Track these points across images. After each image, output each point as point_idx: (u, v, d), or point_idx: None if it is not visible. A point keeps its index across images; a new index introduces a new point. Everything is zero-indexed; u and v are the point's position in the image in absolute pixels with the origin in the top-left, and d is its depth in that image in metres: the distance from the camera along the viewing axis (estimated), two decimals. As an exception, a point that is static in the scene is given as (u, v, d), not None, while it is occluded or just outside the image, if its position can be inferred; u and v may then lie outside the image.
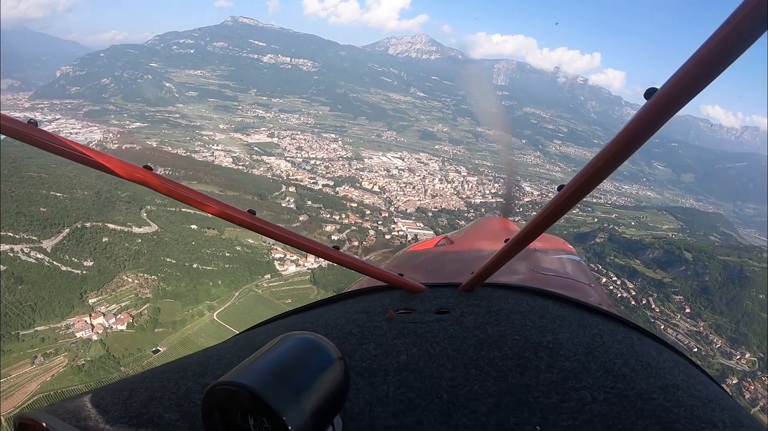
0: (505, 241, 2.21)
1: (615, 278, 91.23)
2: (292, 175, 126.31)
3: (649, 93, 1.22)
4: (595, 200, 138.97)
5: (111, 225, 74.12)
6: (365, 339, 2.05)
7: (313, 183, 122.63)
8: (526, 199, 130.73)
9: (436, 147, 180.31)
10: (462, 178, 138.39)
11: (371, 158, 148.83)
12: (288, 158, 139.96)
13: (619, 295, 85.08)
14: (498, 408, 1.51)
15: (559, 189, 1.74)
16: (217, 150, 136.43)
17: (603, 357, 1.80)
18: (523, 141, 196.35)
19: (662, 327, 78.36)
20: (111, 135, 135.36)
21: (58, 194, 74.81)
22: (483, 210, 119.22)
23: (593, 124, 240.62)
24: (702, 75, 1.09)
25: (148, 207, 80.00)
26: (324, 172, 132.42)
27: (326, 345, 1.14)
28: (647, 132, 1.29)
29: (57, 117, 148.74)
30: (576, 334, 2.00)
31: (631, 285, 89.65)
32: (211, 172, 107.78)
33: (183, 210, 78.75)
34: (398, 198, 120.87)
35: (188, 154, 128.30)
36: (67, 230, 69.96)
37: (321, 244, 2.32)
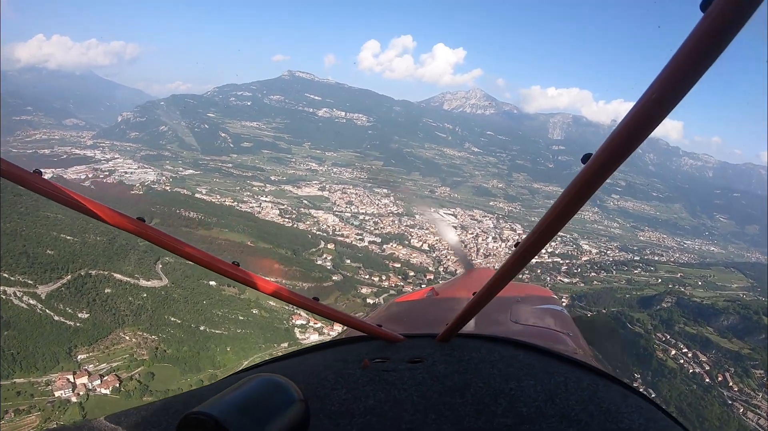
0: (473, 294, 2.25)
1: (685, 350, 77.85)
2: (339, 230, 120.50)
3: (585, 158, 1.29)
4: (657, 258, 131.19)
5: (118, 276, 66.22)
6: (338, 385, 2.12)
7: (359, 239, 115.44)
8: (584, 258, 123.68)
9: (490, 203, 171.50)
10: (517, 237, 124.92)
11: (422, 215, 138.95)
12: (336, 212, 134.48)
13: (690, 371, 72.68)
14: None
15: (515, 245, 1.78)
16: (265, 201, 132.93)
17: (562, 404, 1.82)
18: None
19: (741, 410, 65.20)
20: (164, 178, 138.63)
21: (68, 237, 67.77)
22: (539, 271, 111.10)
23: (651, 176, 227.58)
24: (648, 119, 1.11)
25: (167, 258, 71.10)
26: (372, 228, 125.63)
27: (290, 386, 1.23)
28: (587, 192, 1.35)
29: (115, 156, 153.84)
30: (540, 381, 2.03)
31: (704, 358, 76.20)
32: (248, 223, 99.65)
33: None
34: (448, 257, 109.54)
35: (235, 203, 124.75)
36: (68, 277, 62.68)
37: (302, 296, 2.38)
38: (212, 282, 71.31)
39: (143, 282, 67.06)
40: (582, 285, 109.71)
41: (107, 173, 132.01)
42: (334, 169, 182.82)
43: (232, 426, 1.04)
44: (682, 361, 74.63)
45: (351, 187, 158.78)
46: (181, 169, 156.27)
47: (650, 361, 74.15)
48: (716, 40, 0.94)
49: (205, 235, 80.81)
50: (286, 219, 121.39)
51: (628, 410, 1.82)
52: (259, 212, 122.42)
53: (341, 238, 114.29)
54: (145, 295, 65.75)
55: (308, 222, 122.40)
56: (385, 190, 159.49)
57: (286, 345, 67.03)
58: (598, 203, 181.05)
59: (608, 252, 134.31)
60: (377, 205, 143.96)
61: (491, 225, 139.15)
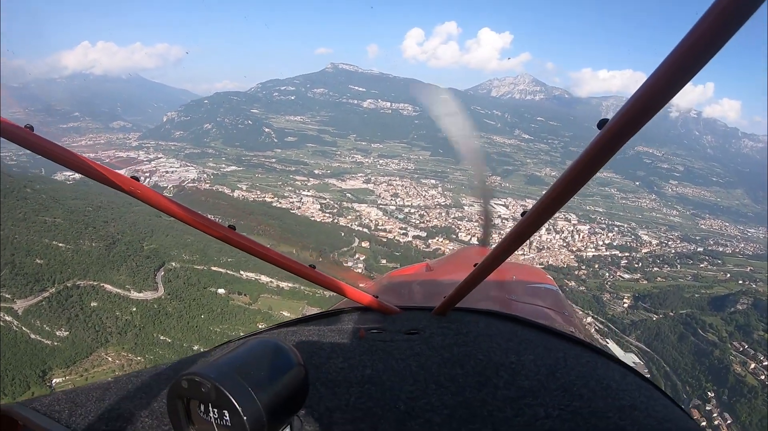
0: (475, 266, 2.24)
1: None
2: (382, 225, 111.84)
3: (602, 123, 1.25)
4: (721, 249, 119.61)
5: (108, 287, 57.82)
6: (334, 354, 2.09)
7: (403, 234, 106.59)
8: (644, 250, 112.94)
9: (543, 192, 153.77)
10: (572, 227, 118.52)
11: (472, 206, 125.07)
12: (381, 206, 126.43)
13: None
14: (451, 419, 1.55)
15: (522, 215, 1.74)
16: (307, 196, 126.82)
17: (563, 378, 1.82)
18: (637, 183, 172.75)
19: None
20: (205, 175, 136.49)
21: (61, 245, 60.01)
22: (596, 266, 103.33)
23: (710, 161, 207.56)
24: (654, 101, 1.09)
25: (173, 264, 62.59)
26: (417, 222, 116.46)
27: (288, 349, 1.16)
28: (602, 159, 1.31)
29: (159, 156, 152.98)
30: (540, 357, 2.03)
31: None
32: (275, 221, 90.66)
33: (213, 268, 63.13)
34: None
35: (275, 198, 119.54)
36: (53, 289, 54.62)
37: (298, 262, 2.33)
38: (221, 291, 62.82)
39: (134, 295, 58.88)
40: (645, 282, 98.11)
41: (148, 174, 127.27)
42: (380, 161, 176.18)
43: (229, 389, 0.97)
44: (763, 377, 61.97)
45: (397, 178, 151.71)
46: (223, 165, 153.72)
47: (726, 376, 62.30)
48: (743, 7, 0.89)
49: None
50: (327, 214, 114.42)
51: (629, 388, 1.81)
52: (299, 207, 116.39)
53: (383, 233, 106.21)
54: (134, 309, 57.52)
55: (349, 217, 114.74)
56: (432, 181, 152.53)
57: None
58: (656, 189, 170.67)
59: (669, 243, 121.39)
60: (424, 196, 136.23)
61: None
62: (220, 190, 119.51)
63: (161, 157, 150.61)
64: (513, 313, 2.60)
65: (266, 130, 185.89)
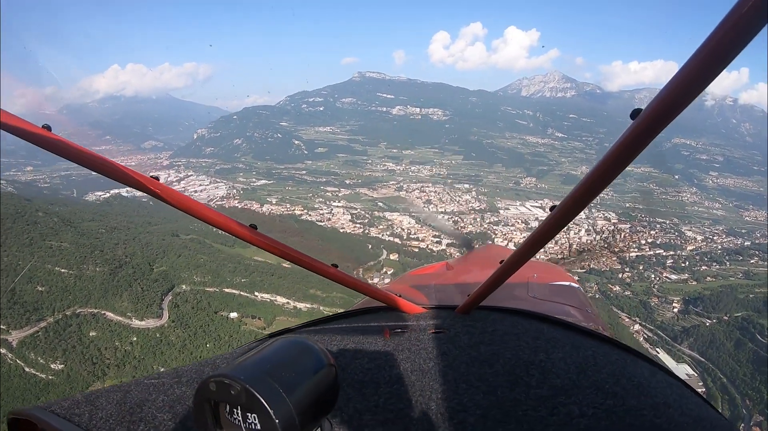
0: (501, 262, 2.22)
1: None
2: (414, 233, 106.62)
3: (635, 114, 1.24)
4: None
5: (109, 315, 52.89)
6: (360, 354, 2.08)
7: (437, 242, 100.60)
8: (689, 247, 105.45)
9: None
10: (612, 227, 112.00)
11: (508, 209, 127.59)
12: (413, 214, 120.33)
13: None
14: (485, 419, 1.52)
15: (551, 209, 1.70)
16: (337, 206, 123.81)
17: (595, 376, 1.79)
18: (676, 177, 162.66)
19: None
20: (234, 191, 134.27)
21: (63, 270, 55.44)
22: (641, 267, 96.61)
23: (750, 149, 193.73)
24: (686, 92, 1.09)
25: (183, 286, 57.92)
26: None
27: (318, 349, 1.11)
28: (635, 150, 1.29)
29: (189, 174, 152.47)
30: (569, 355, 2.00)
31: None
32: (295, 237, 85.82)
33: (225, 290, 58.48)
34: (537, 257, 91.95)
35: (305, 211, 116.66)
36: (51, 318, 50.09)
37: (320, 262, 2.32)
38: (233, 314, 57.39)
39: (135, 323, 53.84)
40: (694, 283, 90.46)
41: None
42: (412, 168, 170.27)
43: (260, 391, 0.92)
44: None
45: (430, 184, 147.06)
46: (254, 179, 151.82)
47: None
48: None
49: (231, 254, 67.18)
50: (357, 225, 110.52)
51: (659, 385, 1.78)
52: (329, 219, 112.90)
53: (414, 243, 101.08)
54: (134, 339, 52.56)
55: (381, 227, 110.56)
56: (466, 185, 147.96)
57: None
58: (696, 182, 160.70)
59: (715, 238, 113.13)
60: (458, 202, 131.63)
61: (583, 216, 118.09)
62: (248, 205, 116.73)
63: (191, 175, 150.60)
64: (537, 311, 2.55)
65: (296, 142, 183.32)
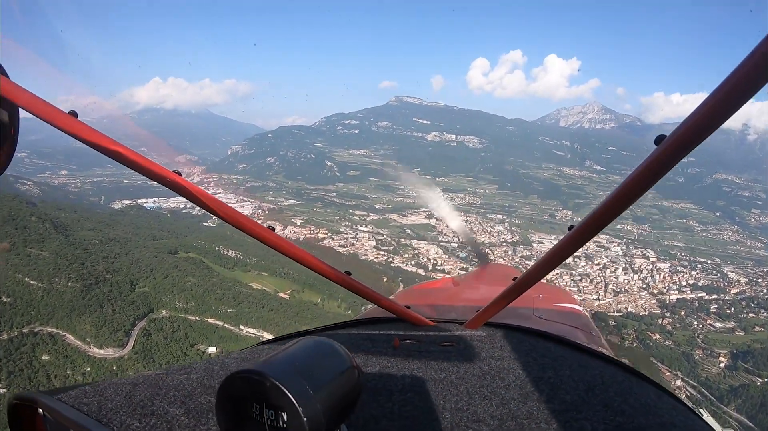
0: (514, 279, 2.25)
1: None
2: (440, 264, 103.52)
3: (659, 140, 1.27)
4: None
5: (69, 338, 46.72)
6: (370, 362, 2.07)
7: (464, 273, 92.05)
8: (733, 291, 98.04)
9: (617, 227, 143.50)
10: (651, 266, 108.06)
11: (542, 242, 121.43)
12: (441, 243, 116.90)
13: None
14: (500, 430, 1.53)
15: (569, 229, 1.76)
16: (363, 231, 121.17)
17: (602, 395, 1.79)
18: (717, 214, 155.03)
19: None
20: (260, 210, 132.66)
21: (33, 282, 49.74)
22: (682, 313, 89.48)
23: None
24: (711, 120, 1.11)
25: (163, 312, 51.34)
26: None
27: (342, 350, 1.11)
28: (657, 175, 1.31)
29: (218, 191, 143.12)
30: (576, 373, 2.01)
31: None
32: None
33: (208, 320, 52.63)
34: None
35: (329, 234, 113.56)
36: (5, 335, 44.43)
37: (334, 269, 2.31)
38: (211, 349, 50.53)
39: (94, 350, 47.22)
40: (741, 333, 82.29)
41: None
42: (445, 195, 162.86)
43: (290, 389, 0.91)
44: None
45: (462, 213, 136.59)
46: (282, 199, 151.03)
47: None
48: None
49: (226, 277, 60.33)
50: (382, 252, 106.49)
51: (666, 407, 1.78)
52: (353, 244, 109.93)
53: (440, 276, 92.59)
54: (88, 369, 45.92)
55: (406, 255, 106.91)
56: (499, 216, 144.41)
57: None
58: (738, 220, 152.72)
59: (759, 280, 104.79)
60: (489, 232, 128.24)
61: (620, 253, 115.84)
62: (272, 225, 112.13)
63: (219, 192, 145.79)
64: (544, 331, 2.56)
65: (328, 163, 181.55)
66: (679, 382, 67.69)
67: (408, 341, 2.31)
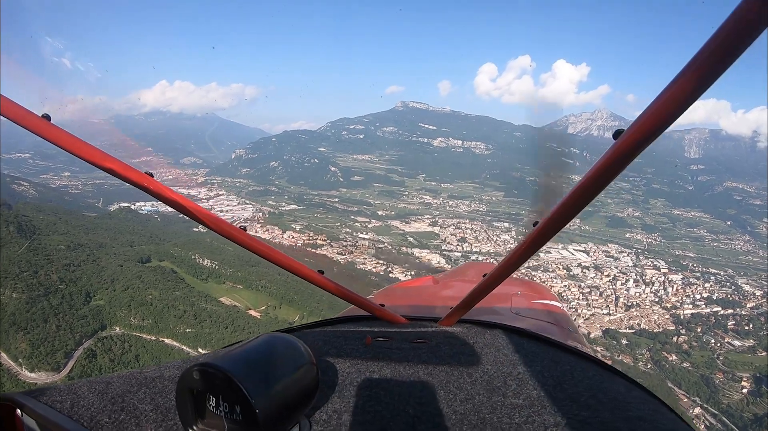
0: (483, 276, 2.22)
1: None
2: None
3: (617, 134, 1.27)
4: None
5: (4, 356, 41.45)
6: (341, 359, 2.11)
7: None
8: (749, 305, 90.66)
9: (626, 236, 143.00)
10: (662, 277, 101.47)
11: (549, 252, 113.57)
12: (444, 252, 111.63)
13: None
14: (461, 424, 1.55)
15: (534, 225, 1.74)
16: (363, 238, 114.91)
17: (571, 389, 1.82)
18: (728, 223, 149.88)
19: None
20: (260, 214, 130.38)
21: None
22: (698, 329, 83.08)
23: None
24: (668, 114, 1.12)
25: (116, 329, 46.19)
26: None
27: (302, 347, 1.13)
28: (616, 169, 1.33)
29: (220, 193, 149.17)
30: (547, 368, 2.04)
31: None
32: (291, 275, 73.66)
33: (165, 341, 47.60)
34: (579, 311, 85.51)
35: (328, 241, 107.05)
36: None
37: (306, 267, 2.30)
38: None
39: (25, 374, 41.40)
40: (763, 353, 75.17)
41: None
42: (450, 202, 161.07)
43: (243, 382, 0.93)
44: None
45: (467, 221, 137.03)
46: (284, 204, 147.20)
47: None
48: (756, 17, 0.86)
49: (197, 290, 55.00)
50: (381, 261, 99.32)
51: (635, 401, 1.81)
52: (352, 252, 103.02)
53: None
54: None
55: (406, 265, 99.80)
56: (505, 224, 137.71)
57: None
58: (749, 229, 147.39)
59: None
60: (495, 241, 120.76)
61: (630, 263, 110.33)
62: (270, 230, 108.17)
63: (222, 194, 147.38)
64: (519, 327, 2.58)
65: (332, 168, 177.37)
66: (697, 410, 62.51)
67: (381, 338, 2.33)
